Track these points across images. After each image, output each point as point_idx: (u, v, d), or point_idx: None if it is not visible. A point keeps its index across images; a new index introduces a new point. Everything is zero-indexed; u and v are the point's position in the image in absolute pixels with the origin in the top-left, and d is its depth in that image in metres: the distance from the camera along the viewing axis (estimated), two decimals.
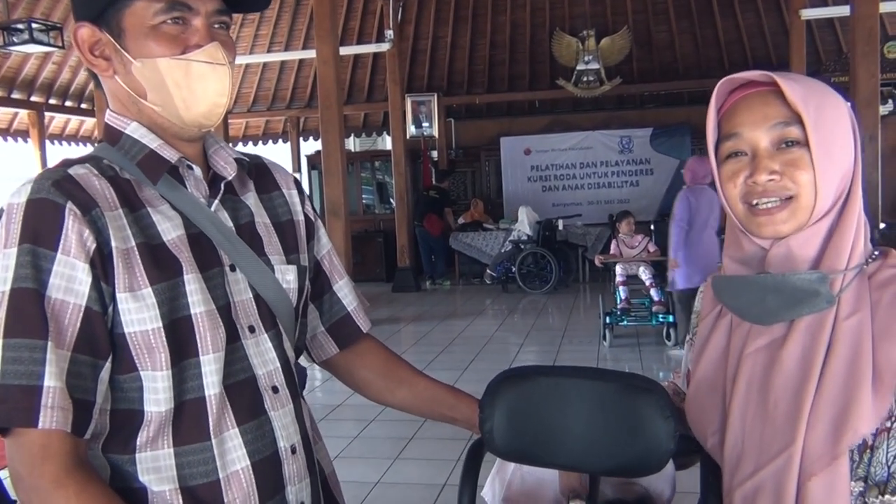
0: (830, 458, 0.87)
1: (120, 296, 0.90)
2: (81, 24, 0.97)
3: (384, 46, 10.41)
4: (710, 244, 5.55)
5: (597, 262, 7.04)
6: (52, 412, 0.84)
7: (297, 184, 1.18)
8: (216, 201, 1.02)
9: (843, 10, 7.87)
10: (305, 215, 1.16)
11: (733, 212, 0.97)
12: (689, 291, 5.51)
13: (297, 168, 12.72)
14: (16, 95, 9.94)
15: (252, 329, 1.01)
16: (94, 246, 0.88)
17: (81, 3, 0.98)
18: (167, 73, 0.95)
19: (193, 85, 0.95)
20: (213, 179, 1.04)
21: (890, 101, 9.51)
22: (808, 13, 9.63)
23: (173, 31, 0.95)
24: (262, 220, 1.08)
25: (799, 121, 0.91)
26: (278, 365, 1.03)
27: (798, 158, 0.91)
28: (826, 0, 10.37)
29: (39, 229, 0.87)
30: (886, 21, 9.95)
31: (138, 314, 0.90)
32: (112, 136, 1.00)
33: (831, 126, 0.92)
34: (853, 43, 6.43)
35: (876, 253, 0.96)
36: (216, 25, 0.98)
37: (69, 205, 0.88)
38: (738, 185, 0.95)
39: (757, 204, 0.93)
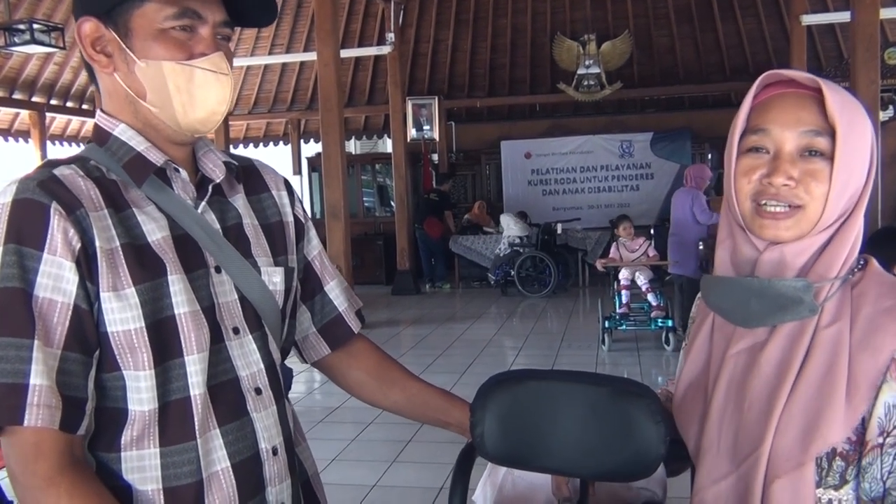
0: (797, 464, 0.87)
1: (103, 295, 0.90)
2: (86, 19, 0.97)
3: (385, 49, 10.42)
4: None
5: (599, 267, 7.03)
6: (38, 410, 0.84)
7: (288, 185, 1.19)
8: (203, 203, 1.02)
9: (844, 16, 7.87)
10: (295, 216, 1.16)
11: (739, 207, 0.95)
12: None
13: (298, 170, 12.73)
14: (17, 96, 9.96)
15: (236, 330, 1.01)
16: (79, 245, 0.89)
17: None
18: (170, 77, 0.95)
19: (194, 91, 0.96)
20: (202, 181, 1.04)
21: (890, 106, 9.50)
22: (809, 19, 9.63)
23: (181, 38, 0.96)
24: (251, 222, 1.08)
25: (828, 132, 0.90)
26: (262, 367, 1.03)
27: (819, 170, 0.91)
28: (827, 6, 10.39)
29: (24, 229, 0.87)
30: (887, 27, 9.95)
31: (121, 314, 0.90)
32: (100, 137, 1.00)
33: (857, 143, 0.92)
34: (853, 49, 6.43)
35: (861, 262, 0.96)
36: (219, 37, 0.99)
37: (54, 204, 0.88)
38: (752, 181, 0.94)
39: (765, 204, 0.93)
